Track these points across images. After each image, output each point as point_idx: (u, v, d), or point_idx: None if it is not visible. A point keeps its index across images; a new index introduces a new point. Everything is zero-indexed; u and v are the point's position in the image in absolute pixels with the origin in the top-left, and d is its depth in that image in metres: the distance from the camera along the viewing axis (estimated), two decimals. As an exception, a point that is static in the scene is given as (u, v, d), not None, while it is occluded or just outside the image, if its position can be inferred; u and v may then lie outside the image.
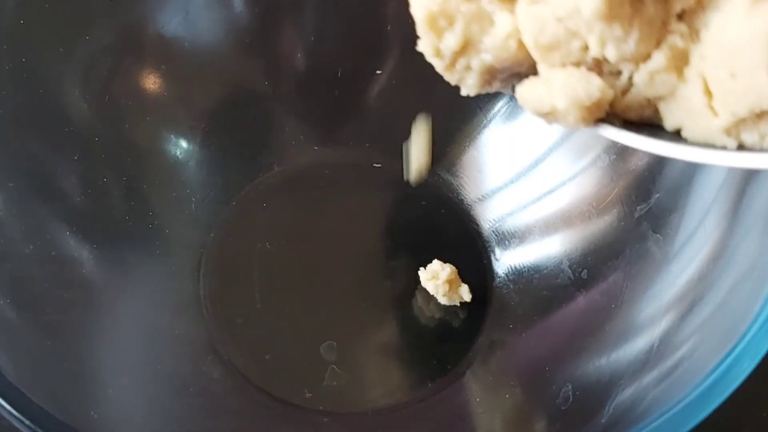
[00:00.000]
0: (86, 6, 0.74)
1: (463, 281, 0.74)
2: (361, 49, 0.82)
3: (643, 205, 0.69)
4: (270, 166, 0.78)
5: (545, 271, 0.74)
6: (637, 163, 0.71)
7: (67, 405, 0.57)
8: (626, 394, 0.59)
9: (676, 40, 0.37)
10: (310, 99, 0.81)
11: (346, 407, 0.69)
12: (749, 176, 0.60)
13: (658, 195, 0.69)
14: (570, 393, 0.63)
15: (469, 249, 0.78)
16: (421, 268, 0.74)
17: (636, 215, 0.69)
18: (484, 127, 0.80)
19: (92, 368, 0.63)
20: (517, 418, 0.66)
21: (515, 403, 0.66)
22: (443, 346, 0.71)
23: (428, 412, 0.68)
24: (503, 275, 0.75)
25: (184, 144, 0.79)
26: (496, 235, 0.78)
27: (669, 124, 0.40)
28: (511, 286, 0.74)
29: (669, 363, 0.58)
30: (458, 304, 0.73)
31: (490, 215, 0.79)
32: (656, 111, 0.41)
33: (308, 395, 0.69)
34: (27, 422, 0.53)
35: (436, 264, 0.73)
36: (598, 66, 0.39)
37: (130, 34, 0.77)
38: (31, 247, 0.66)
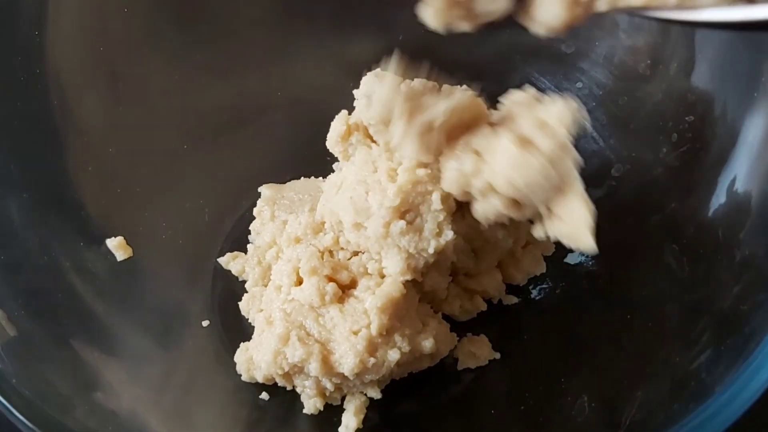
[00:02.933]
0: (100, 16, 0.75)
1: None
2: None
3: (659, 215, 0.69)
4: (283, 178, 0.78)
5: (563, 283, 0.74)
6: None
7: (81, 416, 0.58)
8: (644, 406, 0.59)
9: None
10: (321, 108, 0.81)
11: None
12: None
13: (673, 204, 0.69)
14: (586, 404, 0.63)
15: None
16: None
17: (652, 223, 0.69)
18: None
19: (107, 379, 0.63)
20: (531, 431, 0.65)
21: (529, 414, 0.66)
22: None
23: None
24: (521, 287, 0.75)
25: (198, 154, 0.79)
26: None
27: None
28: (528, 296, 0.74)
29: (687, 374, 0.58)
30: (475, 315, 0.72)
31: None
32: None
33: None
34: (40, 432, 0.53)
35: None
36: None
37: (144, 44, 0.77)
38: (46, 258, 0.67)
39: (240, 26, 0.81)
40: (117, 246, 0.71)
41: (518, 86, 0.79)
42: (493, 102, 0.78)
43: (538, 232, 0.60)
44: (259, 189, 0.77)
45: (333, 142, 0.69)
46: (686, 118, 0.69)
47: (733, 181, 0.63)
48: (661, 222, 0.68)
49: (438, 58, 0.81)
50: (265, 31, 0.82)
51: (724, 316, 0.59)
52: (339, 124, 0.68)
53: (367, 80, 0.72)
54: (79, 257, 0.69)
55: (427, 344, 0.64)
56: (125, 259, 0.71)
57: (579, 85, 0.78)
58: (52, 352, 0.62)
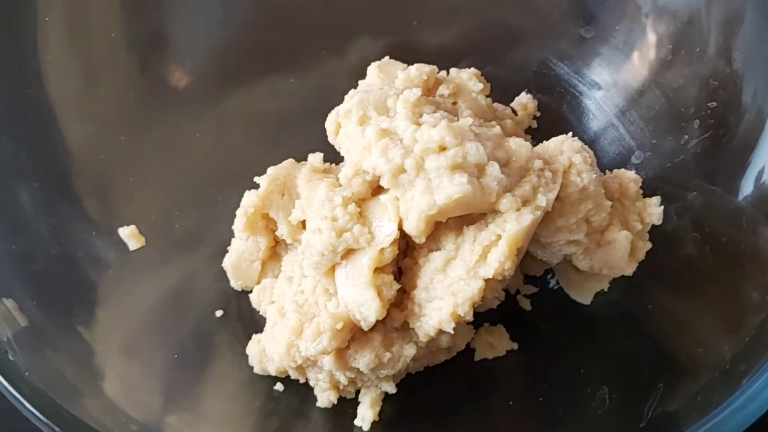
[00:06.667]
0: (111, 3, 0.74)
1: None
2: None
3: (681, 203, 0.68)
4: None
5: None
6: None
7: (92, 407, 0.57)
8: (665, 398, 0.58)
9: None
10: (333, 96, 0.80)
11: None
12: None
13: (695, 193, 0.68)
14: (606, 396, 0.62)
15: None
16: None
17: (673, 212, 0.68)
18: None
19: (118, 370, 0.63)
20: (550, 423, 0.64)
21: (548, 406, 0.65)
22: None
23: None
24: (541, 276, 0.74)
25: (210, 142, 0.78)
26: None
27: None
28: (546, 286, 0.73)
29: (711, 366, 0.57)
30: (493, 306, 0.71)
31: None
32: None
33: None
34: (49, 422, 0.53)
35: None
36: None
37: (156, 31, 0.77)
38: (58, 247, 0.66)
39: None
40: (129, 235, 0.71)
41: (535, 71, 0.79)
42: (505, 85, 0.77)
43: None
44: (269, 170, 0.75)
45: (330, 138, 0.68)
46: (709, 104, 0.68)
47: (759, 169, 0.62)
48: (683, 211, 0.67)
49: (451, 42, 0.81)
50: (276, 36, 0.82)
51: (749, 307, 0.58)
52: (330, 123, 0.67)
53: (372, 71, 0.71)
54: (91, 246, 0.69)
55: (444, 338, 0.63)
56: (138, 249, 0.71)
57: (599, 70, 0.76)
58: (63, 342, 0.61)
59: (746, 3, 0.65)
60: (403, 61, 0.72)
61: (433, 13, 0.82)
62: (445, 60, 0.74)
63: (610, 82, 0.76)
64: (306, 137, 0.78)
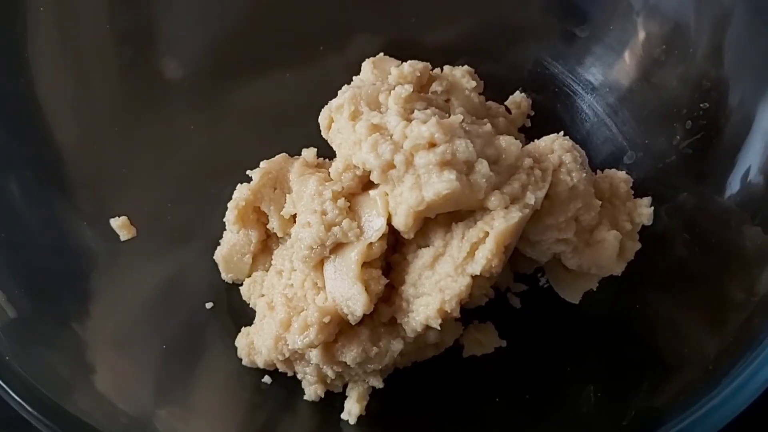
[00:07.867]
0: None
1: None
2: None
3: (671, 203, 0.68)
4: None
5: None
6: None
7: (81, 400, 0.58)
8: (650, 396, 0.58)
9: None
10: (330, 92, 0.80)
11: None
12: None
13: (685, 193, 0.68)
14: (592, 394, 0.63)
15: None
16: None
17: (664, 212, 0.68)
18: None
19: (107, 361, 0.63)
20: (537, 420, 0.64)
21: (535, 403, 0.65)
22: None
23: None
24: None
25: (205, 135, 0.78)
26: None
27: None
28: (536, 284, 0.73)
29: (694, 365, 0.58)
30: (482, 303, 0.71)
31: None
32: None
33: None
34: (38, 415, 0.53)
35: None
36: None
37: (152, 23, 0.77)
38: (48, 237, 0.67)
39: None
40: (120, 226, 0.71)
41: (530, 70, 0.79)
42: (500, 84, 0.77)
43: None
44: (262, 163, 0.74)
45: (323, 133, 0.68)
46: (701, 105, 0.68)
47: (747, 170, 0.62)
48: (674, 211, 0.67)
49: (448, 40, 0.81)
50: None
51: (734, 307, 0.59)
52: (323, 117, 0.68)
53: (366, 66, 0.71)
54: (82, 237, 0.69)
55: (432, 334, 0.63)
56: (128, 239, 0.71)
57: (593, 69, 0.77)
58: (52, 334, 0.61)
59: (737, 3, 0.65)
60: (400, 58, 0.72)
61: (431, 11, 0.82)
62: (441, 57, 0.74)
63: (604, 81, 0.76)
64: (302, 132, 0.78)
